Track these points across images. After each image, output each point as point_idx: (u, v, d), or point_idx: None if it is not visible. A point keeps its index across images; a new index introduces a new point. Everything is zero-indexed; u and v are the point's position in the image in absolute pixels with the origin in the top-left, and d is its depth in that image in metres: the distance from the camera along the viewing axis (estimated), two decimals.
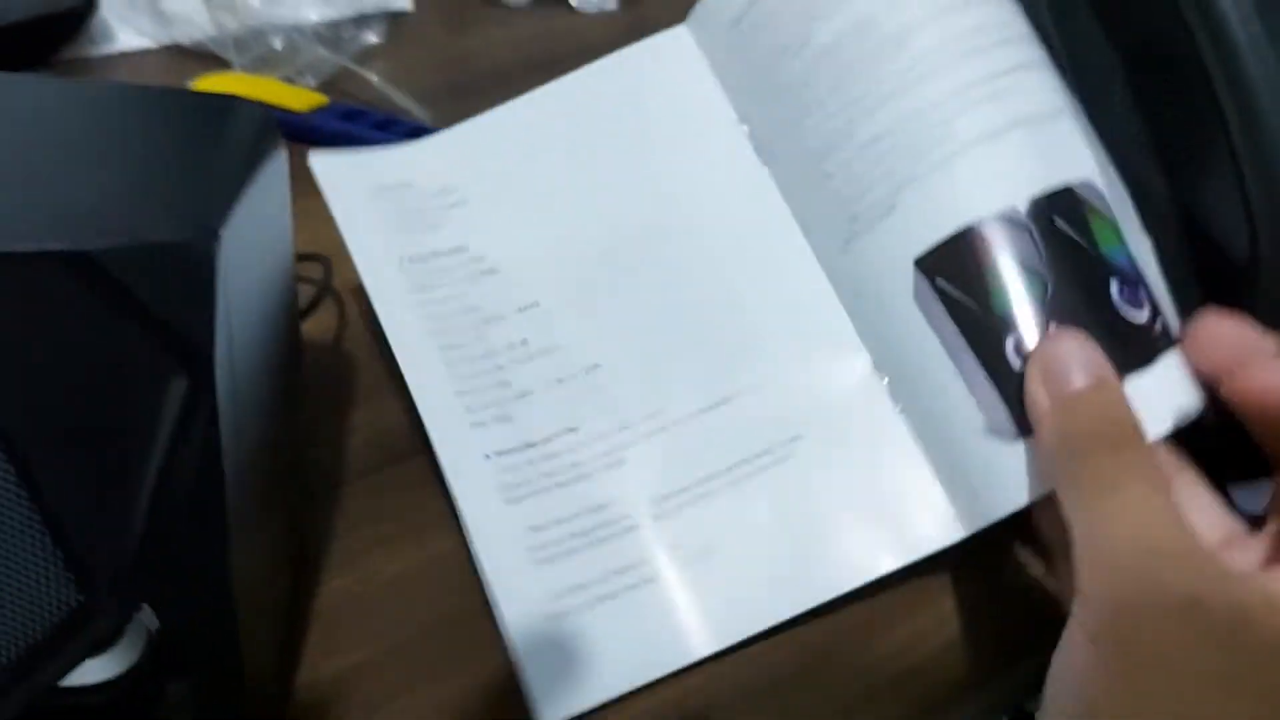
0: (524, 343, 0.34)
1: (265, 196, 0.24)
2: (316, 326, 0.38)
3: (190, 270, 0.20)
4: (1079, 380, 0.27)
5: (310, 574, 0.31)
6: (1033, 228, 0.29)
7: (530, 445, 0.32)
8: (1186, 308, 0.34)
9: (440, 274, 0.34)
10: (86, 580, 0.21)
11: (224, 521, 0.22)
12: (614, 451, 0.32)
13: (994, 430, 0.29)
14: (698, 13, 0.37)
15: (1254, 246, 0.30)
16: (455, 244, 0.35)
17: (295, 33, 0.47)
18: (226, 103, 0.26)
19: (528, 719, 0.28)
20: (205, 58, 0.48)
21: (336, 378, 0.36)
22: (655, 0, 0.59)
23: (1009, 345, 0.29)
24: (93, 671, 0.24)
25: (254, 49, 0.47)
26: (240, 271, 0.22)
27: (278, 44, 0.47)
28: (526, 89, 0.51)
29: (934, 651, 0.31)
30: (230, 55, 0.47)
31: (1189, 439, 0.30)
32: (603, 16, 0.57)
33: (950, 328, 0.30)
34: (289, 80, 0.47)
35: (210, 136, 0.24)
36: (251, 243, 0.23)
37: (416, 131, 0.45)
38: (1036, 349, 0.28)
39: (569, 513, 0.31)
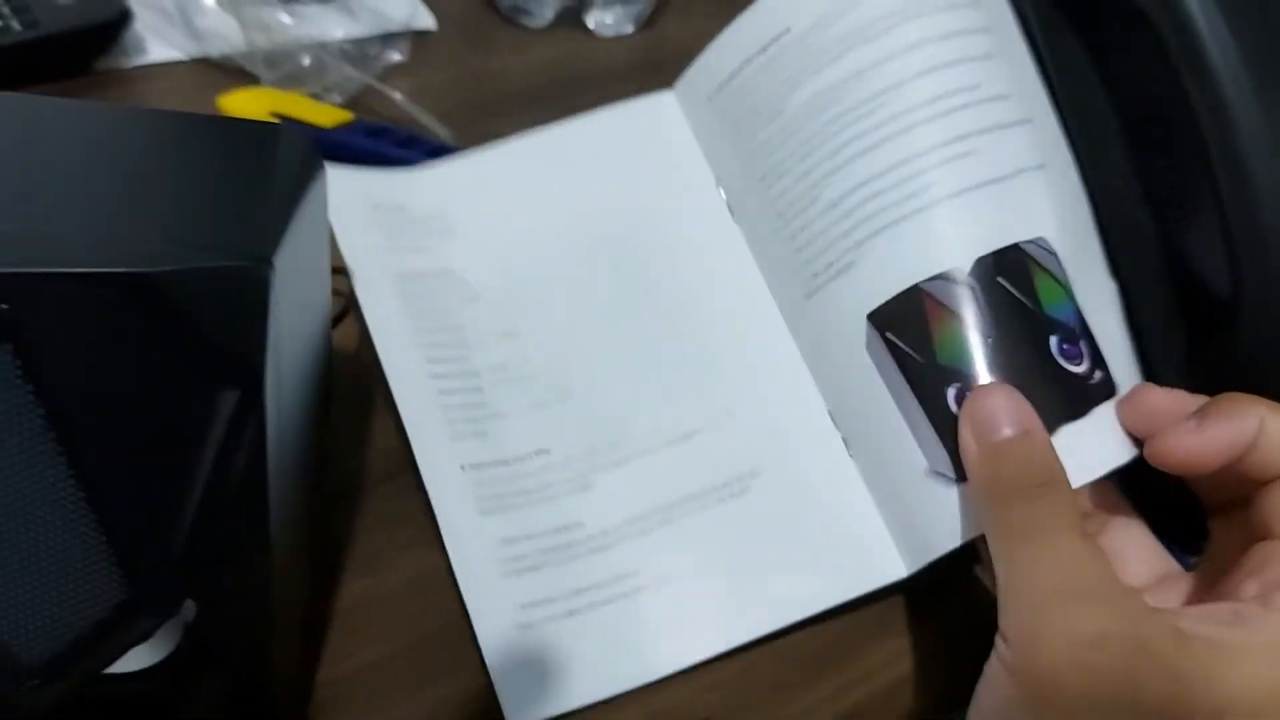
0: (504, 367, 0.36)
1: (310, 219, 0.26)
2: (340, 336, 0.40)
3: (244, 293, 0.22)
4: (1005, 430, 0.29)
5: (330, 575, 0.33)
6: (977, 286, 0.31)
7: (503, 463, 0.34)
8: (1172, 343, 0.36)
9: (428, 293, 0.36)
10: (135, 575, 0.23)
11: (265, 522, 0.24)
12: (583, 475, 0.34)
13: (935, 473, 0.31)
14: (684, 80, 0.40)
15: (1236, 287, 0.32)
16: (442, 267, 0.37)
17: (323, 51, 0.49)
18: (273, 129, 0.28)
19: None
20: (234, 72, 0.50)
21: (358, 386, 0.38)
22: (670, 25, 0.60)
23: (950, 395, 0.31)
24: (132, 660, 0.25)
25: (283, 66, 0.48)
26: (288, 290, 0.23)
27: (306, 61, 0.48)
28: (545, 109, 0.52)
29: (884, 688, 0.33)
30: (260, 71, 0.49)
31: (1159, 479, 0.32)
32: (619, 40, 0.58)
33: (898, 378, 0.32)
34: (316, 97, 0.48)
35: (260, 162, 0.26)
36: (297, 263, 0.25)
37: (438, 150, 0.47)
38: (968, 400, 0.30)
39: (539, 529, 0.33)
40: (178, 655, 0.26)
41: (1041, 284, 0.32)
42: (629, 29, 0.59)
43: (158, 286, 0.21)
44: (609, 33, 0.58)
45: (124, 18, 0.50)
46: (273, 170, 0.26)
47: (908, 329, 0.32)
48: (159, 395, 0.22)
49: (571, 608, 0.32)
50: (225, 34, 0.50)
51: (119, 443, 0.22)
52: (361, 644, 0.31)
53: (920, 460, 0.32)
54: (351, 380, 0.38)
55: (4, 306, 0.20)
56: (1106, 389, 0.32)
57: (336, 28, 0.52)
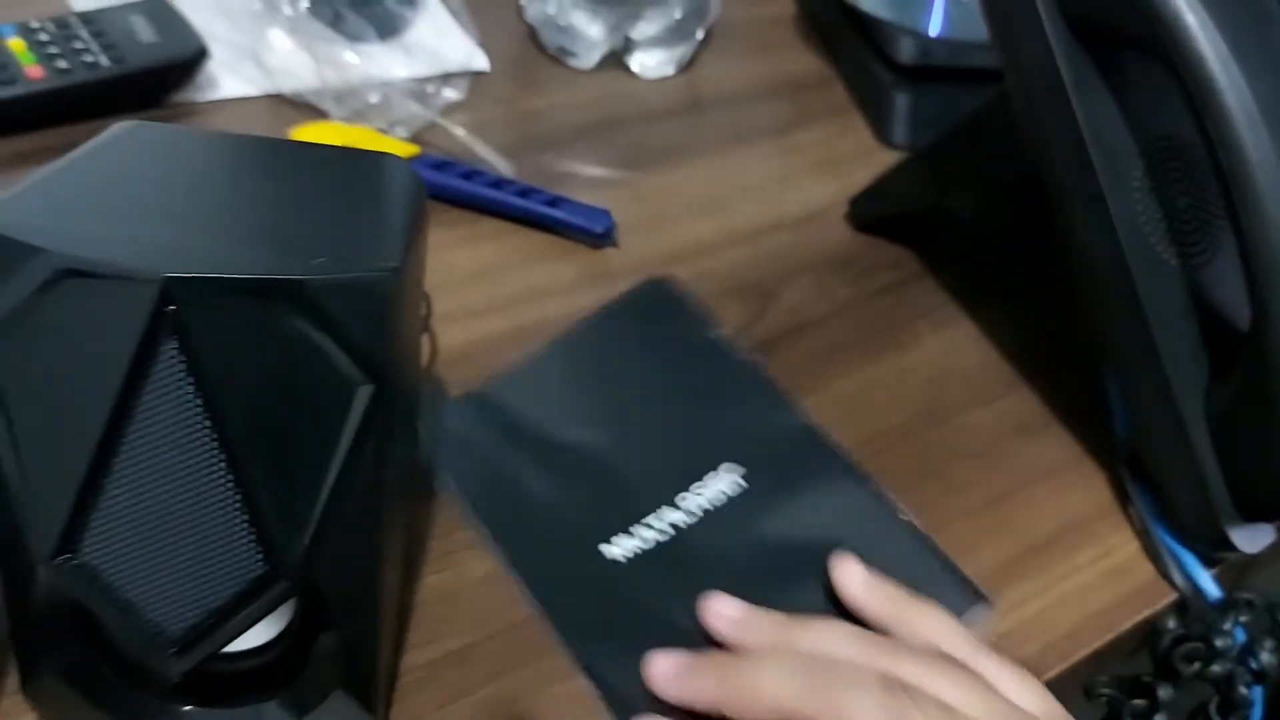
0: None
1: (418, 236, 0.29)
2: None
3: (378, 300, 0.24)
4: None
5: (410, 569, 0.35)
6: None
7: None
8: (1195, 371, 0.38)
9: None
10: (270, 552, 0.25)
11: (382, 506, 0.26)
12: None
13: None
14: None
15: (1257, 320, 0.34)
16: None
17: (388, 88, 0.52)
18: (381, 157, 0.31)
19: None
20: (303, 107, 0.53)
21: (431, 399, 0.40)
22: (709, 68, 0.64)
23: None
24: (248, 639, 0.28)
25: (352, 102, 0.51)
26: (406, 300, 0.26)
27: (373, 98, 0.51)
28: (594, 144, 0.56)
29: None
30: (329, 106, 0.52)
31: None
32: (661, 81, 0.62)
33: None
34: (383, 131, 0.51)
35: (375, 186, 0.29)
36: (410, 276, 0.27)
37: (498, 182, 0.50)
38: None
39: None
40: (287, 633, 0.29)
41: None
42: (670, 71, 0.62)
43: (308, 293, 0.24)
44: (651, 75, 0.61)
45: (201, 54, 0.53)
46: (388, 193, 0.29)
47: None
48: (303, 389, 0.24)
49: None
50: (296, 71, 0.53)
51: (265, 431, 0.24)
52: (441, 634, 0.34)
53: None
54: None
55: (172, 307, 0.23)
56: None
57: (400, 67, 0.55)
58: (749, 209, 0.53)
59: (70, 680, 0.29)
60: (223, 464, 0.24)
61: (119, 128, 0.29)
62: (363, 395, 0.25)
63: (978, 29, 0.57)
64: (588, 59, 0.60)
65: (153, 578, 0.25)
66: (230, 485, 0.24)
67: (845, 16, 0.63)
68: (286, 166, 0.29)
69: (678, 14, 0.60)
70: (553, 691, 0.33)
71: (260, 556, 0.25)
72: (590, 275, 0.48)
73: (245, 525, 0.25)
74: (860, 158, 0.58)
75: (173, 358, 0.23)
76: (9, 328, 0.24)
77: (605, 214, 0.49)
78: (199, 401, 0.24)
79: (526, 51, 0.61)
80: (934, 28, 0.60)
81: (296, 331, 0.24)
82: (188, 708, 0.29)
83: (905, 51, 0.60)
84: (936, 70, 0.60)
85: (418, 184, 0.30)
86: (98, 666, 0.29)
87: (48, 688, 0.29)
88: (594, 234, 0.49)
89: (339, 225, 0.27)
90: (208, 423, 0.24)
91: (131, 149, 0.28)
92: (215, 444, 0.24)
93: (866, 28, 0.62)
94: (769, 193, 0.55)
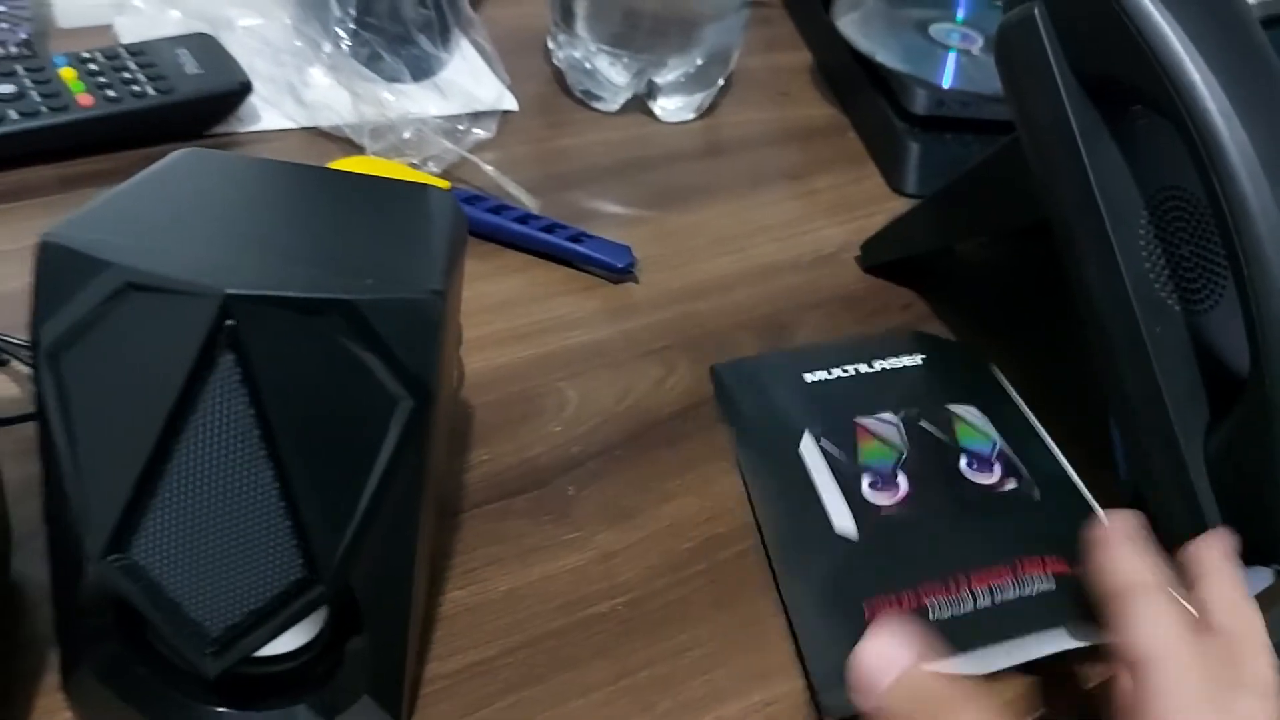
0: None
1: (458, 261, 0.30)
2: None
3: (423, 320, 0.26)
4: (882, 681, 0.30)
5: (434, 584, 0.36)
6: (900, 425, 0.43)
7: None
8: (1195, 413, 0.40)
9: None
10: (310, 557, 0.27)
11: (417, 517, 0.28)
12: None
13: (842, 532, 0.39)
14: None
15: (1256, 365, 0.36)
16: None
17: (421, 125, 0.54)
18: (423, 188, 0.32)
19: None
20: (339, 141, 0.55)
21: (457, 422, 0.42)
22: (728, 113, 0.66)
23: (864, 481, 0.41)
24: (281, 643, 0.29)
25: (387, 137, 0.53)
26: (448, 321, 0.28)
27: (407, 134, 0.53)
28: (616, 184, 0.58)
29: None
30: (364, 141, 0.54)
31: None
32: (681, 125, 0.64)
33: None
34: (416, 166, 0.53)
35: (418, 214, 0.30)
36: (452, 301, 0.29)
37: (524, 217, 0.51)
38: (856, 657, 0.31)
39: None
40: (319, 639, 0.30)
41: (961, 428, 0.43)
42: (690, 116, 0.64)
43: (358, 311, 0.25)
44: (672, 119, 0.63)
45: (244, 88, 0.55)
46: (431, 221, 0.30)
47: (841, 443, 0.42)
48: (348, 402, 0.26)
49: None
50: (334, 106, 0.55)
51: (312, 441, 0.26)
52: (462, 647, 0.35)
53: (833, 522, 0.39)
54: (452, 417, 0.42)
55: (230, 321, 0.25)
56: (1021, 494, 0.41)
57: (433, 106, 0.57)
58: (765, 248, 0.55)
59: (107, 678, 0.30)
60: (270, 471, 0.26)
61: (180, 154, 0.31)
62: (404, 410, 0.26)
63: (987, 82, 0.60)
64: (612, 103, 0.62)
65: (197, 578, 0.27)
66: (276, 491, 0.26)
67: (860, 67, 0.65)
68: (336, 193, 0.31)
69: (699, 61, 0.62)
70: (569, 707, 0.34)
71: (300, 561, 0.27)
72: (611, 309, 0.49)
73: (288, 530, 0.26)
74: (872, 203, 0.60)
75: (229, 369, 0.25)
76: (77, 336, 0.25)
77: (627, 250, 0.51)
78: (252, 411, 0.25)
79: (553, 94, 0.64)
80: (946, 80, 0.62)
81: (345, 347, 0.25)
82: (221, 709, 0.30)
83: (918, 102, 0.62)
84: (947, 121, 0.62)
85: (459, 213, 0.32)
86: (134, 666, 0.30)
87: (85, 685, 0.30)
88: (615, 269, 0.50)
89: (386, 249, 0.28)
90: (259, 431, 0.25)
91: (191, 173, 0.30)
92: (265, 452, 0.26)
93: (881, 79, 0.64)
94: (784, 234, 0.57)
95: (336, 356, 0.25)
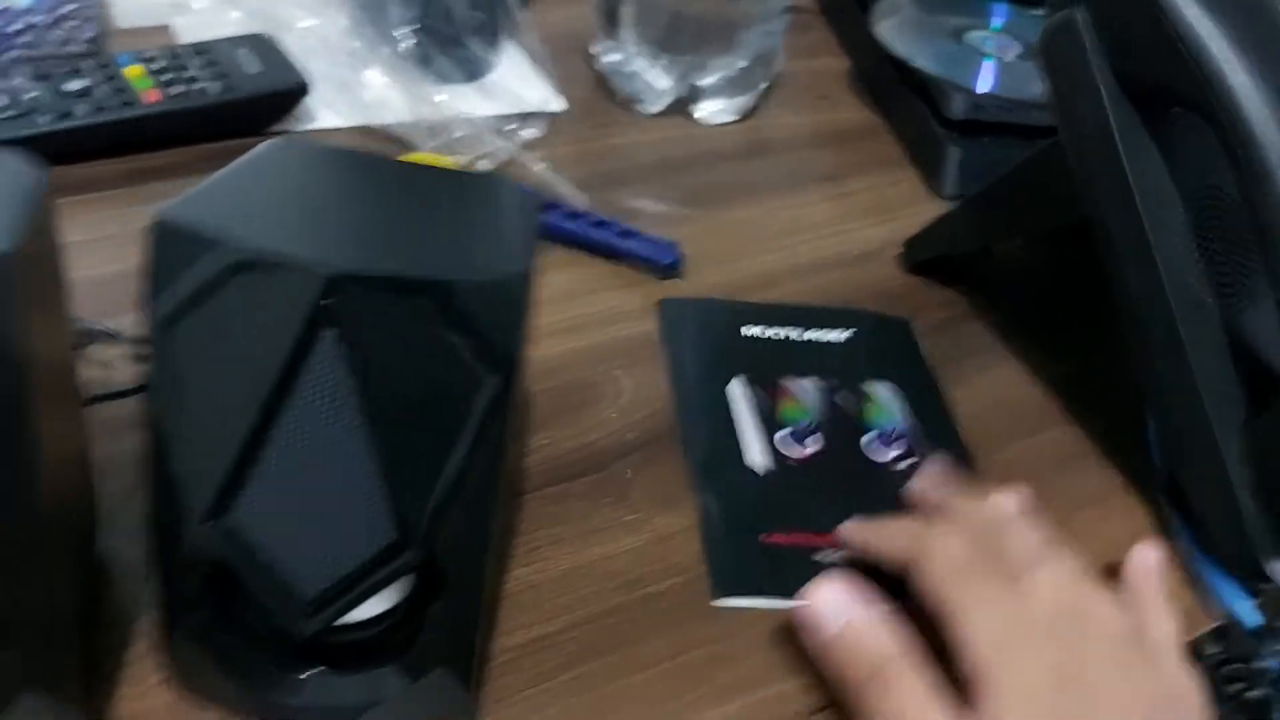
0: None
1: (534, 250, 0.32)
2: None
3: (509, 300, 0.28)
4: (829, 628, 0.34)
5: (500, 562, 0.38)
6: (818, 393, 0.47)
7: None
8: (1230, 408, 0.41)
9: None
10: (401, 522, 0.28)
11: (497, 487, 0.29)
12: None
13: (752, 465, 0.44)
14: None
15: None
16: None
17: (474, 124, 0.56)
18: (491, 178, 0.34)
19: (673, 697, 0.35)
20: (393, 139, 0.57)
21: (518, 409, 0.43)
22: (769, 114, 0.67)
23: (779, 432, 0.45)
24: (365, 609, 0.30)
25: (441, 136, 0.55)
26: (529, 304, 0.29)
27: (460, 133, 0.55)
28: (661, 183, 0.59)
29: None
30: (420, 139, 0.56)
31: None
32: (723, 127, 0.65)
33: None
34: (469, 164, 0.55)
35: (495, 203, 0.32)
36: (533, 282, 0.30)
37: (574, 214, 0.53)
38: (800, 607, 0.35)
39: None
40: (400, 607, 0.31)
41: (868, 407, 0.47)
42: (732, 118, 0.66)
43: (451, 291, 0.27)
44: (714, 121, 0.65)
45: (302, 88, 0.57)
46: (506, 209, 0.32)
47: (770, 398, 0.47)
48: (440, 378, 0.27)
49: None
50: (389, 105, 0.57)
51: (405, 413, 0.27)
52: (526, 622, 0.36)
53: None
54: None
55: (332, 299, 0.26)
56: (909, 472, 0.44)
57: (483, 106, 0.59)
58: (806, 247, 0.57)
59: (201, 642, 0.32)
60: (365, 441, 0.27)
61: (271, 143, 0.33)
62: (490, 387, 0.28)
63: (1022, 88, 0.62)
64: (655, 105, 0.64)
65: (294, 542, 0.28)
66: (370, 460, 0.27)
67: (897, 72, 0.67)
68: (415, 182, 0.33)
69: (741, 65, 0.63)
70: (630, 680, 0.35)
71: (392, 527, 0.28)
72: (657, 304, 0.51)
73: (380, 497, 0.28)
74: (909, 205, 0.61)
75: (331, 344, 0.27)
76: (186, 310, 0.27)
77: (673, 246, 0.52)
78: (350, 384, 0.27)
79: (599, 96, 0.65)
80: (983, 85, 0.63)
81: (437, 326, 0.27)
82: (309, 673, 0.31)
83: (956, 107, 0.63)
84: (984, 125, 0.63)
85: (530, 201, 0.33)
86: (227, 630, 0.32)
87: (181, 649, 0.32)
88: (662, 265, 0.52)
89: (469, 234, 0.30)
90: (356, 403, 0.27)
91: (283, 161, 0.32)
92: (361, 423, 0.27)
93: (919, 83, 0.65)
94: (825, 233, 0.58)
95: (428, 334, 0.27)
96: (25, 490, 0.26)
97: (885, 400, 0.48)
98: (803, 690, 0.36)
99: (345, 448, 0.27)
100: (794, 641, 0.37)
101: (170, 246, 0.27)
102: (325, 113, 0.58)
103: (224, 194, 0.29)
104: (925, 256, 0.55)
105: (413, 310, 0.27)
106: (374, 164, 0.33)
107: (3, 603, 0.27)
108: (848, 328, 0.51)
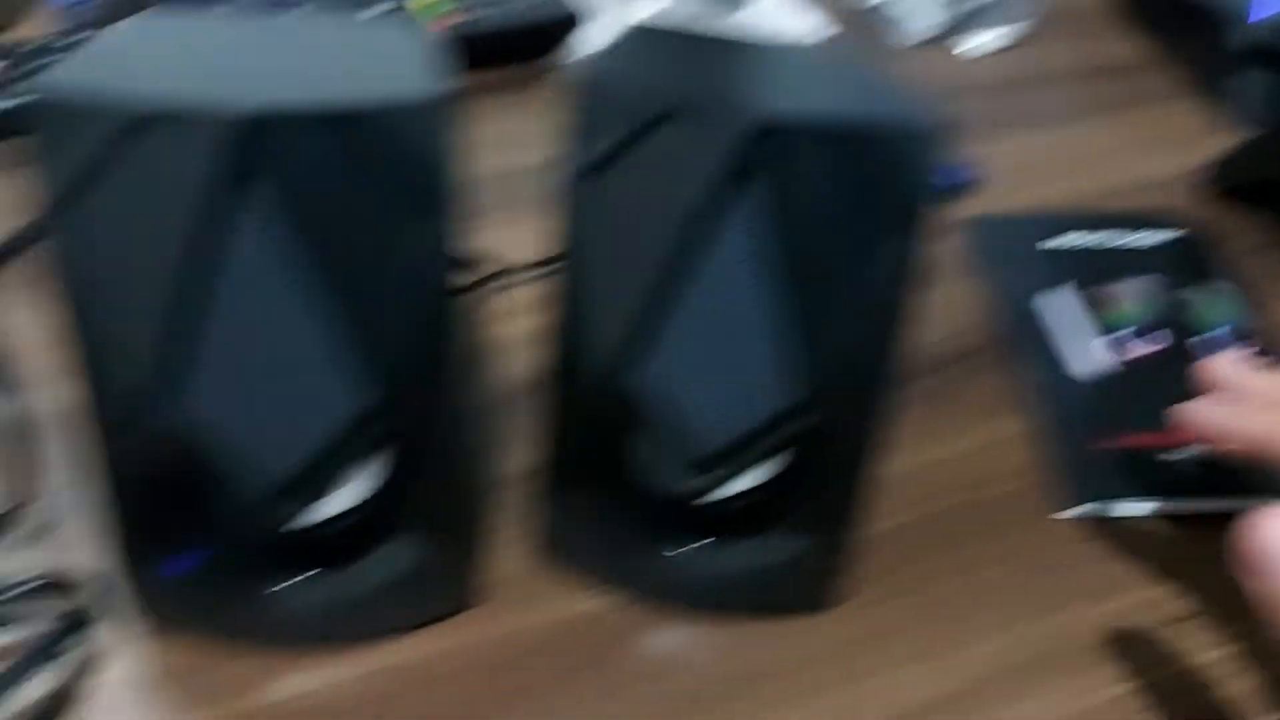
0: None
1: None
2: None
3: (922, 154, 0.27)
4: None
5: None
6: (1144, 297, 0.45)
7: None
8: None
9: None
10: (802, 387, 0.28)
11: (890, 366, 0.28)
12: None
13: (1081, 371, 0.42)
14: None
15: None
16: None
17: None
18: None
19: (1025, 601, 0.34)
20: None
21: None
22: (1038, 47, 0.65)
23: (1101, 339, 0.44)
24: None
25: None
26: None
27: None
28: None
29: None
30: None
31: None
32: (991, 58, 0.63)
33: None
34: None
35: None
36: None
37: None
38: (1246, 548, 0.27)
39: None
40: (778, 479, 0.31)
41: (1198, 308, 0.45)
42: (999, 48, 0.64)
43: (883, 141, 0.26)
44: (981, 52, 0.63)
45: (570, 20, 0.58)
46: None
47: None
48: (852, 236, 0.27)
49: None
50: None
51: (816, 268, 0.27)
52: (880, 514, 0.35)
53: None
54: None
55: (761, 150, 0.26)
56: None
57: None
58: (1089, 176, 0.54)
59: (580, 509, 0.32)
60: (774, 298, 0.27)
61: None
62: (897, 244, 0.27)
63: None
64: (922, 34, 0.63)
65: (703, 393, 0.28)
66: (779, 316, 0.27)
67: (1173, 3, 0.63)
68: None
69: None
70: (981, 576, 0.35)
71: (792, 387, 0.28)
72: (947, 225, 0.50)
73: (786, 355, 0.27)
74: (1194, 136, 0.58)
75: (758, 198, 0.26)
76: (606, 164, 0.27)
77: (967, 169, 0.51)
78: (771, 240, 0.26)
79: (863, 26, 0.64)
80: (1261, 11, 0.60)
81: (855, 177, 0.26)
82: (701, 541, 0.32)
83: (1238, 36, 0.59)
84: (1272, 54, 0.59)
85: None
86: (609, 497, 0.32)
87: (558, 515, 0.32)
88: (955, 186, 0.51)
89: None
90: (774, 260, 0.27)
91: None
92: (775, 280, 0.27)
93: (1198, 13, 0.62)
94: (1107, 164, 0.56)
95: (847, 185, 0.26)
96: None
97: (1215, 301, 0.46)
98: (1170, 596, 0.34)
99: (757, 302, 0.27)
100: (1144, 547, 0.35)
101: (596, 104, 0.27)
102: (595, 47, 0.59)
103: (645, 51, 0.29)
104: (1241, 181, 0.52)
105: (843, 160, 0.26)
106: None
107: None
108: (1169, 230, 0.50)
